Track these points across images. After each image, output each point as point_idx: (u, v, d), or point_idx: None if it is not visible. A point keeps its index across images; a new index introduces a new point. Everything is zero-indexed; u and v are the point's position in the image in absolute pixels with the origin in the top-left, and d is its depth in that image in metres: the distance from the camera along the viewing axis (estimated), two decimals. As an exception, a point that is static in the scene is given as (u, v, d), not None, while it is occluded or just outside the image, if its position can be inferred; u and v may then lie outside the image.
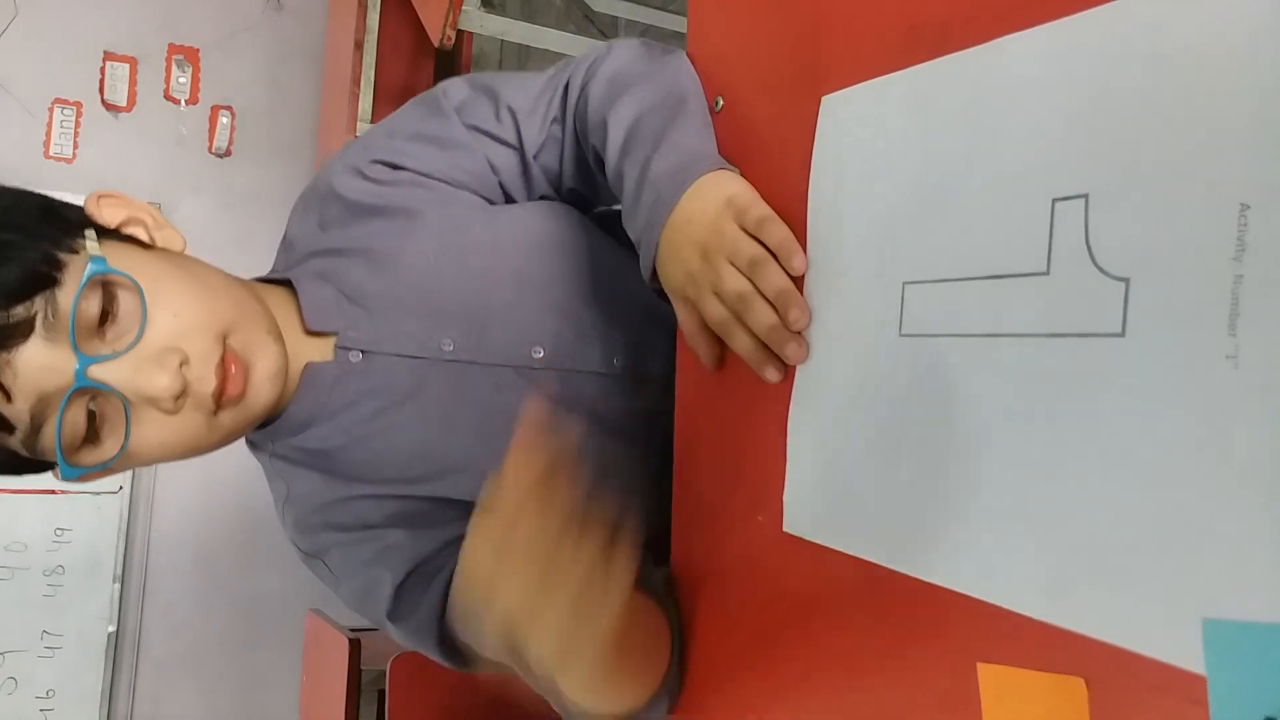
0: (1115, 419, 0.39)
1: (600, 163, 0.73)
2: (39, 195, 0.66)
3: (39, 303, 0.59)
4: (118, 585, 2.43)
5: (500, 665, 0.68)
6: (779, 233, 0.57)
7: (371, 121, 1.82)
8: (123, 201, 0.70)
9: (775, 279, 0.56)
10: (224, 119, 2.57)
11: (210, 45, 2.57)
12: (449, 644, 0.71)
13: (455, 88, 0.78)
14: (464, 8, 1.30)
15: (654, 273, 0.64)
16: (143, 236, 0.69)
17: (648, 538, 0.74)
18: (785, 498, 0.57)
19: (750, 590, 0.60)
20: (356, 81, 1.75)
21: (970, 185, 0.47)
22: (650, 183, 0.64)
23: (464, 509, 0.72)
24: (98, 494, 2.42)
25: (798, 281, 0.57)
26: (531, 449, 0.48)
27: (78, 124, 2.45)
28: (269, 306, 0.71)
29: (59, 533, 2.40)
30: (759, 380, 0.59)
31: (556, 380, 0.76)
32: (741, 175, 0.62)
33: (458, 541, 0.70)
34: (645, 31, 2.03)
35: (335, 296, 0.74)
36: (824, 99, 0.56)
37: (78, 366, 0.60)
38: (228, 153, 2.56)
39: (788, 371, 0.58)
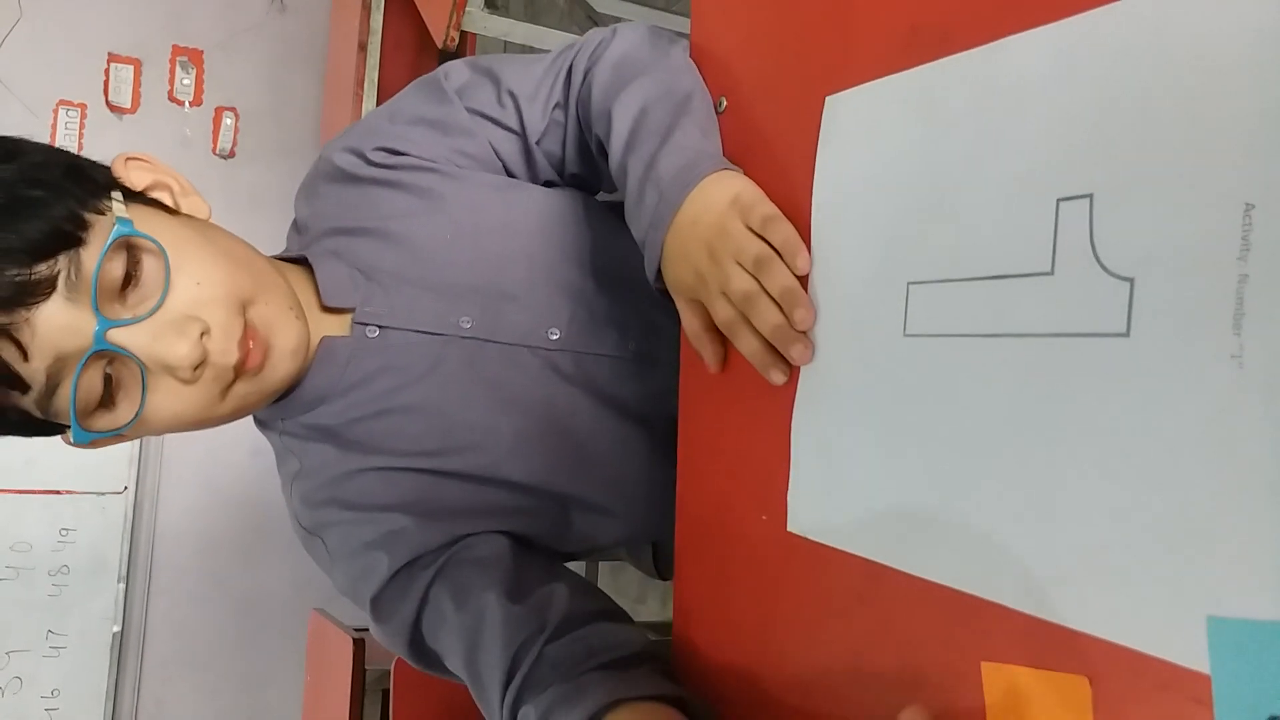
0: (1120, 419, 0.39)
1: (603, 150, 0.73)
2: (67, 153, 0.65)
3: (62, 261, 0.58)
4: (122, 585, 2.44)
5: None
6: (784, 231, 0.57)
7: (375, 122, 1.82)
8: (150, 165, 0.70)
9: (780, 278, 0.56)
10: (228, 120, 2.58)
11: (214, 46, 2.58)
12: (420, 648, 0.72)
13: (457, 70, 0.78)
14: (467, 9, 1.30)
15: (658, 274, 0.65)
16: (168, 202, 0.69)
17: (658, 522, 0.75)
18: (789, 498, 0.57)
19: (754, 590, 0.60)
20: (360, 83, 1.76)
21: (974, 185, 0.47)
22: (654, 182, 0.64)
23: (478, 487, 0.74)
24: (102, 494, 2.42)
25: (802, 281, 0.57)
26: None
27: (82, 125, 2.46)
28: (290, 281, 0.71)
29: (64, 533, 2.41)
30: (763, 381, 0.59)
31: (571, 362, 0.77)
32: (745, 175, 0.62)
33: (464, 538, 0.72)
34: (648, 32, 2.02)
35: (351, 273, 0.74)
36: (828, 99, 0.56)
37: (97, 329, 0.59)
38: (232, 154, 2.57)
39: (793, 373, 0.58)
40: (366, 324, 0.74)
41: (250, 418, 0.78)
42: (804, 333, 0.56)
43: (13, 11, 2.40)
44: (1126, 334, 0.39)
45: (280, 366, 0.67)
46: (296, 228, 0.81)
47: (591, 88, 0.73)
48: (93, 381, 0.61)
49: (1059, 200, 0.42)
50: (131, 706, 2.45)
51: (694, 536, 0.67)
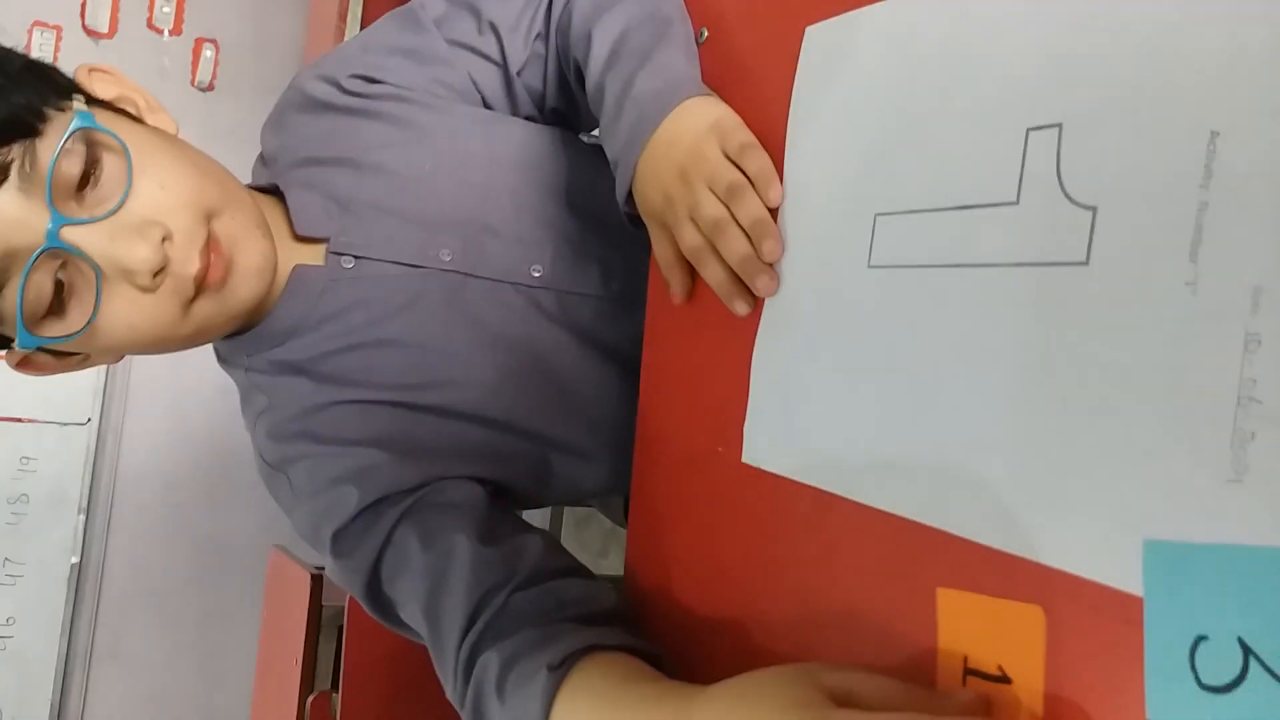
0: (1075, 347, 0.39)
1: (580, 78, 0.71)
2: (26, 54, 0.62)
3: (16, 150, 0.55)
4: (82, 517, 2.41)
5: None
6: (759, 160, 0.57)
7: (357, 58, 1.79)
8: (115, 77, 0.67)
9: (752, 207, 0.56)
10: (208, 52, 2.52)
11: (196, -26, 2.52)
12: (376, 591, 0.69)
13: (433, 2, 0.76)
14: (455, -59, 1.27)
15: (629, 198, 0.64)
16: (134, 115, 0.66)
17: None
18: (745, 429, 0.57)
19: (706, 521, 0.60)
20: (343, 17, 1.72)
21: (947, 116, 0.46)
22: (633, 99, 0.63)
23: (458, 425, 0.72)
24: (65, 425, 2.40)
25: (772, 214, 0.56)
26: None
27: (57, 48, 2.40)
28: (260, 205, 0.69)
29: (24, 461, 2.38)
30: (727, 312, 0.59)
31: (554, 300, 0.75)
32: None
33: (438, 481, 0.69)
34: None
35: (325, 202, 0.72)
36: (808, 30, 0.56)
37: (51, 226, 0.56)
38: (210, 87, 2.52)
39: (757, 305, 0.58)
40: (342, 254, 0.71)
41: (214, 355, 0.75)
42: (770, 265, 0.56)
43: (-12, -73, 2.33)
44: (1086, 263, 0.39)
45: (243, 285, 0.65)
46: (263, 160, 0.77)
47: (572, 14, 0.71)
48: (43, 284, 0.58)
49: (1029, 130, 0.42)
50: (88, 638, 2.44)
51: (650, 468, 0.67)
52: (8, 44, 0.62)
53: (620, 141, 0.63)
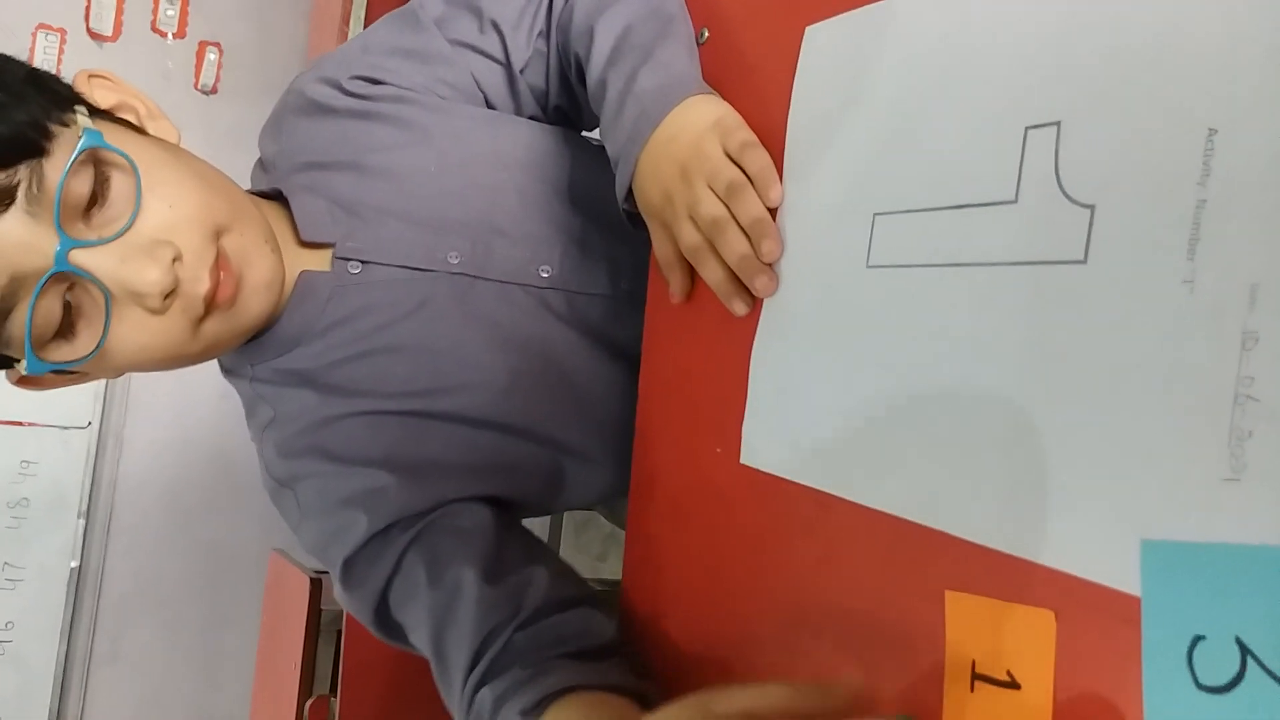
0: (1074, 346, 0.38)
1: (581, 75, 0.71)
2: (26, 64, 0.61)
3: (23, 172, 0.54)
4: (82, 521, 2.41)
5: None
6: (760, 160, 0.56)
7: (360, 62, 1.80)
8: (115, 84, 0.66)
9: (752, 207, 0.56)
10: (211, 55, 2.53)
11: (200, -22, 2.53)
12: (384, 617, 0.69)
13: (433, 2, 0.75)
14: (457, -56, 1.27)
15: (629, 194, 0.64)
16: (136, 124, 0.65)
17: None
18: (744, 430, 0.57)
19: (706, 522, 0.60)
20: (346, 19, 1.73)
21: (946, 115, 0.46)
22: (635, 96, 0.62)
23: (470, 431, 0.71)
24: (66, 429, 2.39)
25: (772, 213, 0.56)
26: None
27: (61, 51, 2.41)
28: (265, 215, 0.68)
29: (24, 465, 2.38)
30: (726, 312, 0.59)
31: (564, 301, 0.75)
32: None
33: (448, 505, 0.68)
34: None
35: (329, 207, 0.71)
36: (808, 29, 0.56)
37: (59, 248, 0.55)
38: (214, 90, 2.52)
39: (755, 305, 0.57)
40: (348, 259, 0.70)
41: (217, 365, 0.74)
42: (769, 265, 0.56)
43: (-6, -70, 2.34)
44: (1084, 261, 0.38)
45: (253, 301, 0.64)
46: (263, 166, 0.76)
47: (574, 10, 0.71)
48: (51, 307, 0.56)
49: (1027, 128, 0.42)
50: (87, 642, 2.44)
51: (649, 469, 0.67)
52: (10, 49, 0.61)
53: (621, 138, 0.63)
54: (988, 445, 0.42)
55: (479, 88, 0.76)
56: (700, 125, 0.59)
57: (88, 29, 2.43)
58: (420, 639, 0.66)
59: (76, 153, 0.55)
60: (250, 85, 2.52)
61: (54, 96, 0.59)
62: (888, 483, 0.47)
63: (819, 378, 0.52)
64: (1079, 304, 0.38)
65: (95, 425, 2.42)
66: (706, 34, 0.65)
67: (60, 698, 2.39)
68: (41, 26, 2.38)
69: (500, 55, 0.75)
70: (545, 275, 0.74)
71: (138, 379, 2.43)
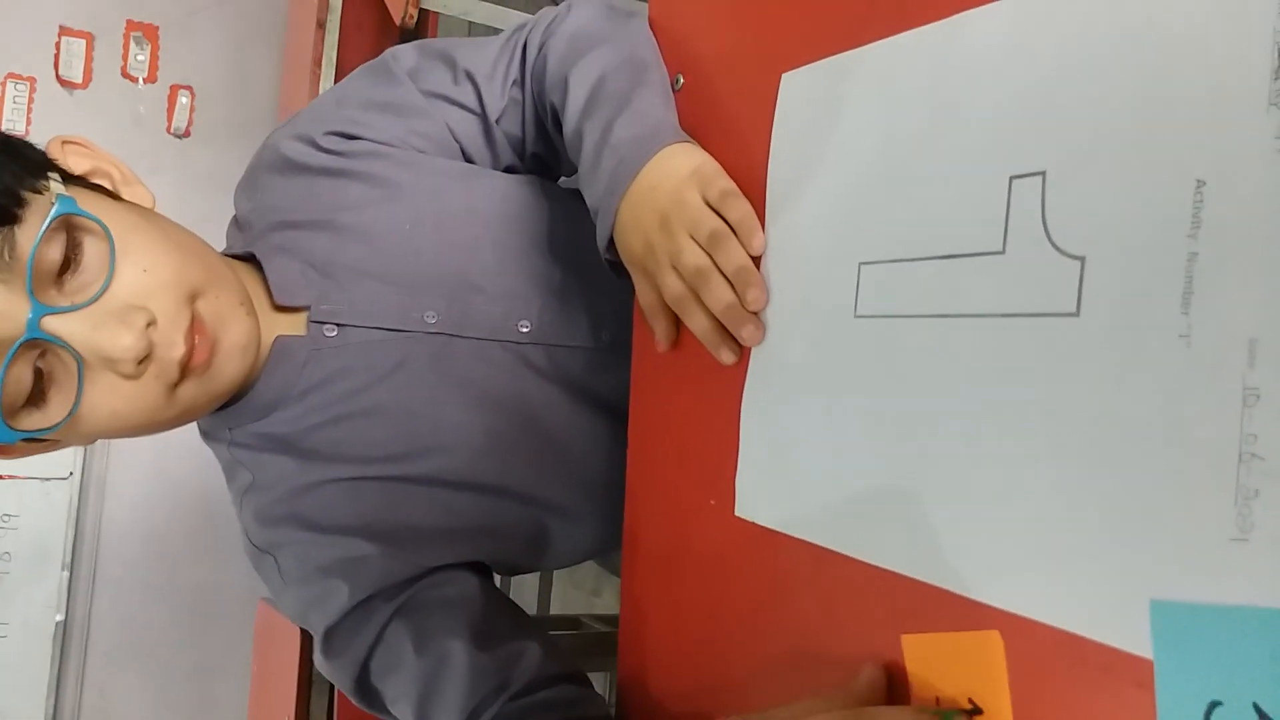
0: (1070, 400, 0.38)
1: (557, 123, 0.70)
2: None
3: None
4: (66, 573, 2.37)
5: None
6: (741, 208, 0.56)
7: (333, 103, 1.79)
8: (89, 150, 0.65)
9: (735, 256, 0.55)
10: (183, 99, 2.52)
11: (170, 23, 2.52)
12: (365, 686, 0.68)
13: (406, 54, 0.75)
14: (427, -14, 1.28)
15: (610, 243, 0.63)
16: (110, 189, 0.64)
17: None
18: (737, 482, 0.56)
19: (701, 576, 0.59)
20: (318, 62, 1.72)
21: (928, 163, 0.46)
22: (613, 147, 0.62)
23: (450, 494, 0.70)
24: (47, 479, 2.36)
25: (756, 262, 0.56)
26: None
27: (31, 100, 2.39)
28: (240, 277, 0.67)
29: (6, 518, 2.34)
30: (714, 360, 0.58)
31: (544, 356, 0.73)
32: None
33: (432, 573, 0.68)
34: (614, 19, 2.00)
35: (303, 269, 0.70)
36: (784, 77, 0.55)
37: (31, 315, 0.54)
38: (186, 133, 2.51)
39: (743, 354, 0.57)
40: (323, 322, 0.69)
41: (195, 427, 0.73)
42: (755, 313, 0.55)
43: (-41, -18, 2.33)
44: (1076, 313, 0.38)
45: (228, 365, 0.63)
46: (237, 224, 0.75)
47: (547, 58, 0.70)
48: (22, 375, 0.55)
49: (1012, 178, 0.41)
50: (75, 697, 2.40)
51: (642, 521, 0.66)
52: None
53: (600, 189, 0.62)
54: (987, 501, 0.41)
55: (455, 139, 0.75)
56: (679, 174, 0.58)
57: (57, 76, 2.41)
58: (403, 710, 0.65)
59: (49, 220, 0.55)
60: (224, 127, 2.51)
61: (27, 164, 0.58)
62: (887, 538, 0.46)
63: (811, 429, 0.51)
64: (1073, 357, 0.38)
65: (77, 475, 2.39)
66: (682, 80, 0.65)
67: (49, 756, 2.34)
68: (11, 76, 2.37)
69: (475, 105, 0.74)
70: (524, 330, 0.73)
71: (118, 427, 2.40)
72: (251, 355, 0.65)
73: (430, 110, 0.74)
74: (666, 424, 0.64)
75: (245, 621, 2.17)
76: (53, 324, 0.55)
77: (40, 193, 0.56)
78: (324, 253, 0.71)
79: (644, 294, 0.63)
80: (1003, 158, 0.42)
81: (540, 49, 0.72)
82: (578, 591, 1.91)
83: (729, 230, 0.56)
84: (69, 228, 0.56)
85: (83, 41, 2.45)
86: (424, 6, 1.31)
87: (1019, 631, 0.39)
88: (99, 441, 2.39)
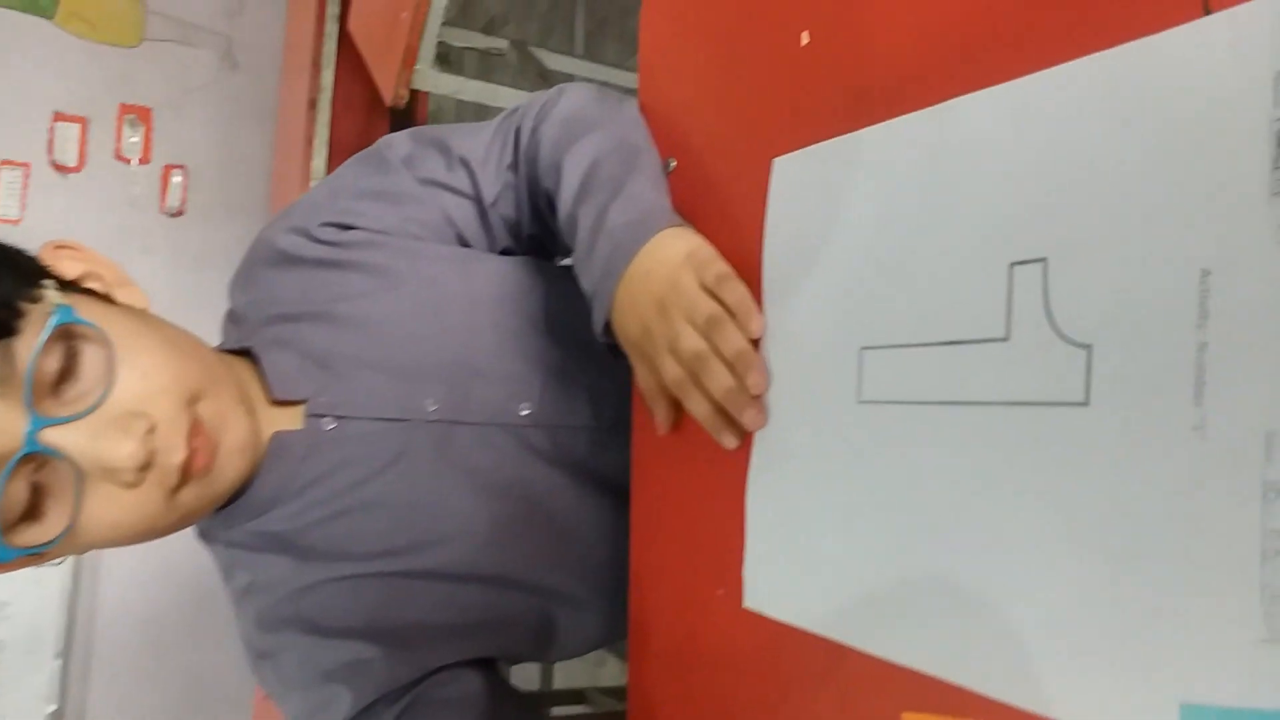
0: (1085, 493, 0.37)
1: (552, 207, 0.70)
2: None
3: None
4: (60, 661, 2.33)
5: None
6: (738, 291, 0.55)
7: (325, 180, 1.81)
8: (82, 253, 0.64)
9: (733, 340, 0.55)
10: (177, 178, 2.54)
11: (163, 104, 2.55)
12: None
13: (399, 142, 0.75)
14: (417, 67, 1.29)
15: (607, 326, 0.62)
16: (103, 292, 0.64)
17: None
18: (745, 572, 0.55)
19: (711, 669, 0.57)
20: (310, 140, 1.74)
21: (925, 249, 0.45)
22: (607, 233, 0.61)
23: (454, 588, 0.68)
24: (39, 566, 2.33)
25: (754, 345, 0.55)
26: None
27: (25, 185, 2.41)
28: (237, 374, 0.66)
29: (-2, 606, 2.30)
30: (717, 444, 0.57)
31: (546, 438, 0.72)
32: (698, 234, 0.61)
33: (435, 673, 0.66)
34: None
35: (301, 362, 0.69)
36: (775, 161, 0.55)
37: (29, 428, 0.52)
38: (180, 212, 2.53)
39: (746, 438, 0.56)
40: (322, 415, 0.68)
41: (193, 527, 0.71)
42: (757, 397, 0.54)
43: (-47, 71, 2.36)
44: (1086, 403, 0.37)
45: (229, 466, 0.62)
46: (233, 318, 0.75)
47: (540, 144, 0.71)
48: (18, 490, 0.53)
49: (1012, 264, 0.41)
50: (68, 789, 2.34)
51: (648, 610, 0.64)
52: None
53: (595, 275, 0.62)
54: (1004, 596, 0.40)
55: (451, 224, 0.75)
56: (674, 259, 0.58)
57: (51, 161, 2.44)
58: None
59: (48, 330, 0.54)
60: (217, 205, 2.53)
61: (21, 273, 0.57)
62: (902, 634, 0.44)
63: (819, 518, 0.50)
64: (1084, 448, 0.37)
65: (70, 561, 2.36)
66: (674, 164, 0.65)
67: None
68: (4, 163, 2.39)
69: (470, 191, 0.74)
70: (525, 413, 0.72)
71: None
72: (251, 454, 0.64)
73: (426, 197, 0.74)
74: (670, 509, 0.63)
75: (244, 704, 2.13)
76: (51, 436, 0.54)
77: (36, 301, 0.55)
78: (321, 344, 0.70)
79: (643, 378, 0.62)
80: (1002, 244, 0.42)
81: (533, 134, 0.72)
82: (581, 663, 1.87)
83: (726, 314, 0.56)
84: (67, 336, 0.56)
85: (77, 126, 2.48)
86: (414, 86, 1.33)
87: None
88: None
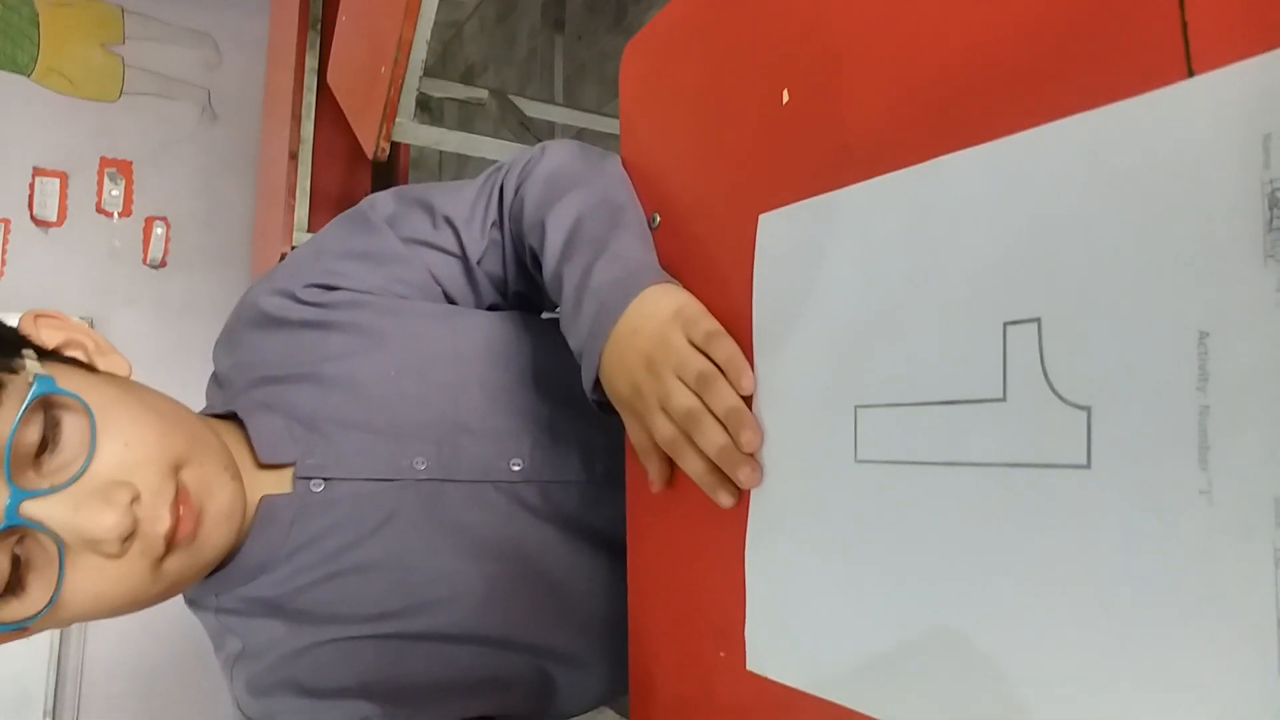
0: (1087, 557, 0.36)
1: (538, 264, 0.70)
2: None
3: None
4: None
5: None
6: (727, 348, 0.55)
7: (309, 231, 1.80)
8: (62, 322, 0.64)
9: (725, 396, 0.54)
10: (158, 230, 2.54)
11: (144, 158, 2.55)
12: None
13: (383, 202, 0.75)
14: (398, 120, 1.29)
15: (597, 385, 0.62)
16: (84, 360, 0.63)
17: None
18: (747, 633, 0.54)
19: (716, 733, 0.56)
20: (292, 192, 1.73)
21: (916, 306, 0.45)
22: (593, 291, 0.61)
23: (450, 650, 0.67)
24: (26, 626, 2.29)
25: (746, 402, 0.55)
26: None
27: (5, 240, 2.40)
28: (222, 439, 0.65)
29: (-17, 670, 2.26)
30: (713, 502, 0.56)
31: (538, 494, 0.72)
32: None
33: None
34: (580, 135, 2.05)
35: (287, 424, 0.68)
36: (761, 217, 0.55)
37: (9, 502, 0.52)
38: (162, 264, 2.52)
39: (743, 495, 0.55)
40: (310, 478, 0.67)
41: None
42: (751, 455, 0.54)
43: (-68, 130, 2.35)
44: (1088, 465, 0.37)
45: (215, 533, 0.61)
46: (218, 381, 0.74)
47: (524, 202, 0.70)
48: None
49: (1006, 324, 0.41)
50: None
51: (650, 672, 0.63)
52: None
53: (583, 334, 0.62)
54: (1006, 662, 0.39)
55: (437, 282, 0.75)
56: (662, 316, 0.58)
57: (32, 216, 2.43)
58: None
59: (28, 401, 0.53)
60: (199, 256, 2.52)
61: (0, 344, 0.57)
62: (909, 698, 0.44)
63: (820, 579, 0.49)
64: (1088, 511, 0.37)
65: (57, 619, 2.32)
66: (659, 219, 0.65)
67: None
68: (-16, 219, 2.38)
69: (455, 249, 0.74)
70: (517, 469, 0.71)
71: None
72: (238, 521, 0.63)
73: (410, 257, 0.73)
74: (668, 568, 0.62)
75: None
76: (32, 508, 0.53)
77: (15, 372, 0.55)
78: (308, 406, 0.69)
79: (635, 435, 0.62)
80: (994, 303, 0.41)
81: (517, 192, 0.72)
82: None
83: (717, 371, 0.55)
84: (47, 406, 0.55)
85: (57, 181, 2.47)
86: (395, 139, 1.33)
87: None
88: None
